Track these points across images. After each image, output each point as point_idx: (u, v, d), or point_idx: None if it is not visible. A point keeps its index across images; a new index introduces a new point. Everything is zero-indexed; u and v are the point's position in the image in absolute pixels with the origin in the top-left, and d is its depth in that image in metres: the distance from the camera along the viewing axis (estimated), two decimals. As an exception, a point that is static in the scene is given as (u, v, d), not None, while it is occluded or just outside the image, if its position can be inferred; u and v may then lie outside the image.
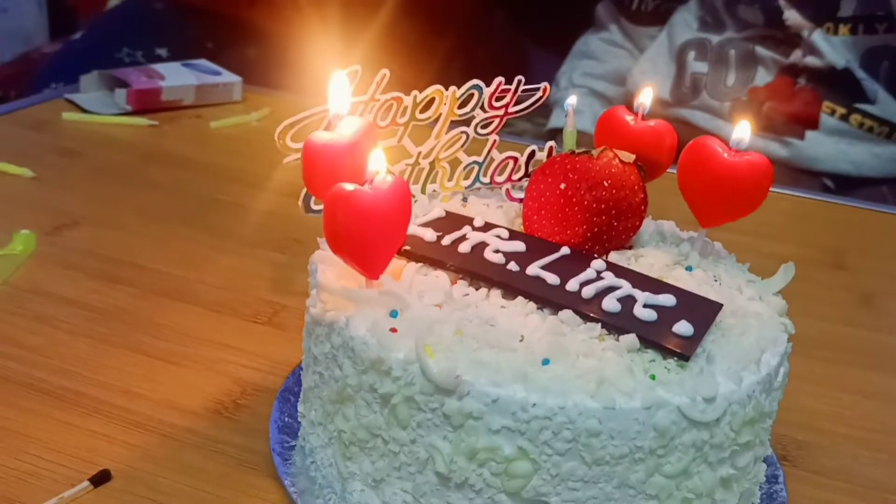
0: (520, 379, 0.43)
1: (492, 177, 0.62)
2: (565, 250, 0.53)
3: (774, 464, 0.57)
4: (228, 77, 1.22)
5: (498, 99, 0.60)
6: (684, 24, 1.37)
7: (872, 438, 0.63)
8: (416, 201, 0.58)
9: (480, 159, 0.62)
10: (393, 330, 0.46)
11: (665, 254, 0.56)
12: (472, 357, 0.44)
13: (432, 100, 0.58)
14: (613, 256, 0.54)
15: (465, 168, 0.62)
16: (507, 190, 0.63)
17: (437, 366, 0.44)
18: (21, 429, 0.55)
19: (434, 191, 0.62)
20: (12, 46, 1.89)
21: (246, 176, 0.97)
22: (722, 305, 0.50)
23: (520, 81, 0.60)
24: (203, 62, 1.25)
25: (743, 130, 0.54)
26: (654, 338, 0.46)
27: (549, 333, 0.46)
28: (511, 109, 0.61)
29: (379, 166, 0.47)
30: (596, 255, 0.54)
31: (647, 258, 0.55)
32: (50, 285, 0.72)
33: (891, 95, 1.22)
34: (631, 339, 0.46)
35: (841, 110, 1.21)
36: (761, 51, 1.27)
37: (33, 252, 0.76)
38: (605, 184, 0.54)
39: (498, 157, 0.62)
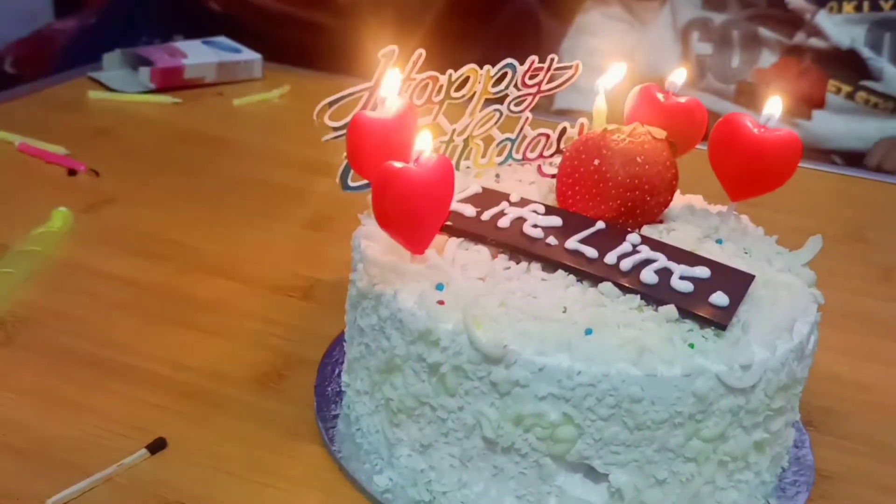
0: (564, 348, 0.45)
1: (524, 153, 0.64)
2: (601, 224, 0.54)
3: (801, 429, 0.59)
4: (249, 55, 1.24)
5: (531, 77, 0.62)
6: (687, 1, 1.37)
7: (895, 406, 0.65)
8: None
9: (513, 136, 0.63)
10: (440, 302, 0.48)
11: (696, 228, 0.57)
12: (517, 328, 0.46)
13: (467, 78, 0.60)
14: (646, 230, 0.56)
15: (498, 145, 0.63)
16: (539, 166, 0.65)
17: (485, 336, 0.46)
18: (77, 399, 0.57)
19: (467, 167, 0.63)
20: (19, 26, 1.89)
21: (273, 153, 0.99)
22: (754, 277, 0.51)
23: (552, 60, 0.62)
24: (223, 40, 1.26)
25: (774, 106, 0.56)
26: (691, 308, 0.48)
27: (591, 305, 0.48)
28: (544, 87, 0.62)
29: (425, 145, 0.49)
30: (629, 229, 0.55)
31: (679, 232, 0.56)
32: (90, 261, 0.74)
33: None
34: (669, 309, 0.48)
35: (847, 88, 1.22)
36: (765, 32, 1.27)
37: (71, 229, 0.78)
38: (639, 159, 0.55)
39: (530, 133, 0.63)
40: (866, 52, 1.19)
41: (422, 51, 0.57)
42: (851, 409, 0.64)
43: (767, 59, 1.27)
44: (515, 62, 0.61)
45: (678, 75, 0.60)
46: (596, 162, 0.56)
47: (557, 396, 0.45)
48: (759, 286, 0.51)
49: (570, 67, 0.63)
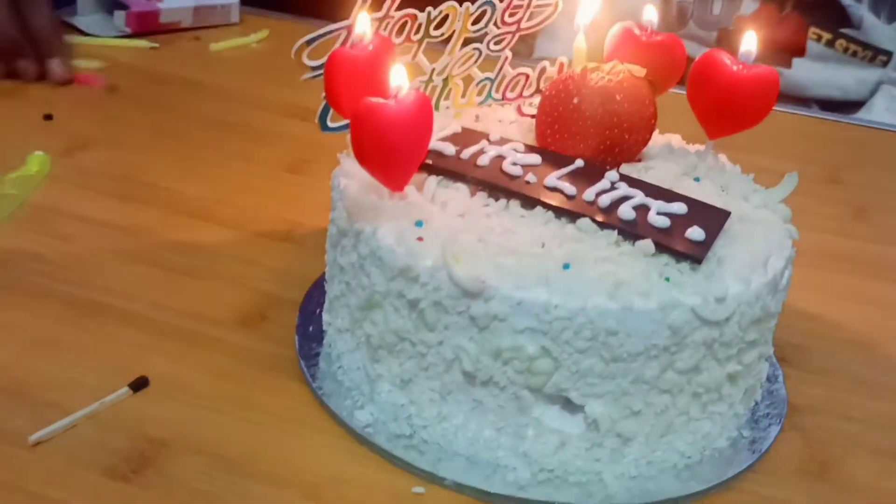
0: (542, 282, 0.46)
1: (503, 93, 0.64)
2: (580, 162, 0.55)
3: (774, 364, 0.60)
4: (226, -2, 1.22)
5: (511, 15, 0.61)
6: None
7: (866, 342, 0.67)
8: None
9: (493, 76, 0.63)
10: (420, 239, 0.48)
11: (674, 165, 0.58)
12: (496, 263, 0.47)
13: (446, 16, 0.59)
14: (625, 168, 0.56)
15: (477, 84, 0.63)
16: (519, 106, 0.65)
17: (464, 271, 0.46)
18: (57, 339, 0.57)
19: (447, 107, 0.63)
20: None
21: (252, 97, 0.98)
22: (730, 213, 0.52)
23: (532, -4, 0.61)
24: (199, -17, 1.24)
25: (750, 42, 0.56)
26: (667, 243, 0.48)
27: (569, 240, 0.49)
28: (524, 25, 0.62)
29: (402, 81, 0.49)
30: (608, 167, 0.56)
31: (657, 170, 0.57)
32: (68, 205, 0.73)
33: (876, 17, 1.22)
34: (646, 244, 0.48)
35: (827, 36, 1.21)
36: None
37: (48, 173, 0.78)
38: (618, 97, 0.55)
39: (510, 73, 0.63)
40: (847, 0, 1.19)
41: (400, -12, 0.56)
42: (824, 345, 0.65)
43: (749, 6, 1.26)
44: (495, 0, 0.60)
45: (649, 12, 0.60)
46: (575, 100, 0.56)
47: (535, 330, 0.46)
48: (735, 222, 0.52)
49: (549, 5, 0.62)
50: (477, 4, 0.60)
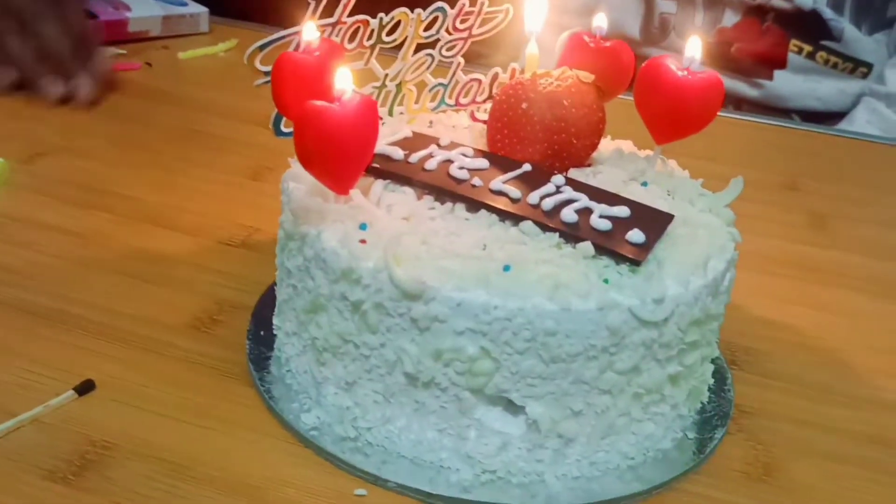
0: (482, 284, 0.46)
1: (457, 99, 0.64)
2: (527, 167, 0.55)
3: (724, 368, 0.61)
4: (195, 8, 1.22)
5: (462, 21, 0.62)
6: None
7: (819, 346, 0.67)
8: (384, 124, 0.60)
9: (446, 81, 0.64)
10: (362, 241, 0.48)
11: (622, 170, 0.58)
12: (437, 265, 0.47)
13: (398, 23, 0.60)
14: (573, 173, 0.57)
15: (430, 90, 0.64)
16: (472, 112, 0.65)
17: (404, 273, 0.46)
18: (8, 345, 0.57)
19: (401, 114, 0.63)
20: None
21: (217, 106, 0.98)
22: (673, 216, 0.52)
23: (483, 3, 0.62)
24: (169, -7, 1.25)
25: (694, 48, 0.57)
26: (608, 245, 0.49)
27: (511, 243, 0.49)
28: (475, 31, 0.62)
29: (346, 85, 0.49)
30: (556, 171, 0.56)
31: (605, 174, 0.57)
32: (28, 212, 0.73)
33: (857, 30, 1.24)
34: (586, 246, 0.49)
35: (808, 48, 1.23)
36: None
37: (8, 180, 0.78)
38: (565, 103, 0.56)
39: (463, 79, 0.64)
40: (828, 13, 1.21)
41: (353, -6, 0.57)
42: (776, 349, 0.66)
43: (730, 18, 1.27)
44: (446, 6, 0.61)
45: (601, 19, 0.61)
46: (524, 105, 0.56)
47: (475, 331, 0.46)
48: (678, 225, 0.53)
49: (500, 11, 0.63)
50: (428, 11, 0.60)
